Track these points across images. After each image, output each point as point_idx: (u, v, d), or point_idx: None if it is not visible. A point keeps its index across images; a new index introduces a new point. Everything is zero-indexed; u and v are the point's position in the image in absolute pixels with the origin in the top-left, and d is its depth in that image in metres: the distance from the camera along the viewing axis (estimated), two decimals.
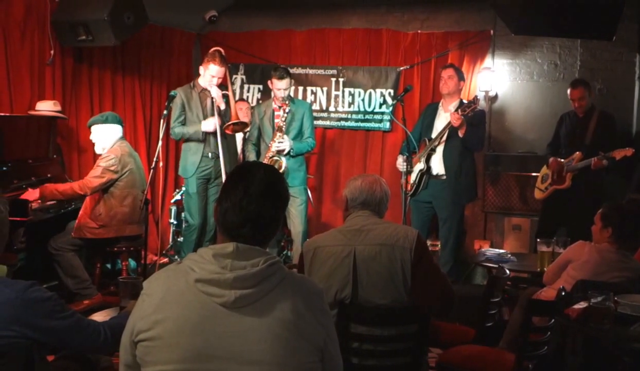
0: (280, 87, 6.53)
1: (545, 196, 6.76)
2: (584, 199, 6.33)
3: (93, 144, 5.99)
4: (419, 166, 6.48)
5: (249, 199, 2.04)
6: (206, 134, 6.45)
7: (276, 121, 6.62)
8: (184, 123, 6.47)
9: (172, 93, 6.29)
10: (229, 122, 6.40)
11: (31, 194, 5.69)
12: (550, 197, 6.72)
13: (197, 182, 6.53)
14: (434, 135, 6.54)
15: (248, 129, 7.07)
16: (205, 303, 1.93)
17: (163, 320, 1.93)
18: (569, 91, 6.65)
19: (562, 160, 6.61)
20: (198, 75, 6.63)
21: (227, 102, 6.50)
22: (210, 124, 6.39)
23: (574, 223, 6.28)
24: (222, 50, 6.59)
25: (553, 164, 6.63)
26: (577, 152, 6.47)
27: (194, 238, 6.63)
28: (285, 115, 6.55)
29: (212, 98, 6.43)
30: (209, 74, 6.41)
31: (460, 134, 6.31)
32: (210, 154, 6.51)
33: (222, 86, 6.53)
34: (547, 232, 6.08)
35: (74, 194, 5.78)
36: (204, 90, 6.50)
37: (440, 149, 6.49)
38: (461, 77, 6.65)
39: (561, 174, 6.57)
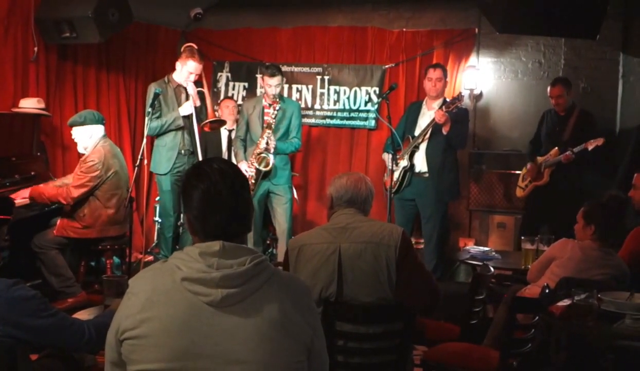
0: (271, 84, 6.53)
1: (526, 193, 6.84)
2: (564, 195, 6.44)
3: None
4: (403, 163, 6.51)
5: (218, 195, 2.03)
6: (182, 129, 6.45)
7: (265, 118, 6.62)
8: (159, 118, 6.44)
9: (157, 90, 6.26)
10: (207, 121, 6.40)
11: (21, 195, 5.68)
12: (531, 194, 6.78)
13: (171, 179, 6.52)
14: (417, 133, 6.56)
15: (226, 126, 7.16)
16: (192, 301, 1.92)
17: (149, 318, 1.92)
18: (548, 89, 6.73)
19: (540, 159, 6.70)
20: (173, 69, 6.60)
21: (203, 99, 6.50)
22: (187, 107, 6.39)
23: (556, 219, 6.36)
24: (196, 46, 6.60)
25: (531, 170, 6.74)
26: (554, 148, 6.57)
27: (171, 235, 6.65)
28: (276, 112, 6.54)
29: (187, 95, 6.42)
30: (187, 70, 6.40)
31: (445, 131, 6.34)
32: (183, 151, 6.52)
33: (198, 82, 6.52)
34: (532, 230, 6.11)
35: (59, 201, 5.71)
36: (179, 86, 6.49)
37: (423, 147, 6.52)
38: (446, 77, 6.70)
39: (539, 171, 6.65)
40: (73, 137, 5.87)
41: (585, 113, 6.70)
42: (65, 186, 5.74)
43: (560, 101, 6.61)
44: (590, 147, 6.22)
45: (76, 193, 5.63)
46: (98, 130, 5.82)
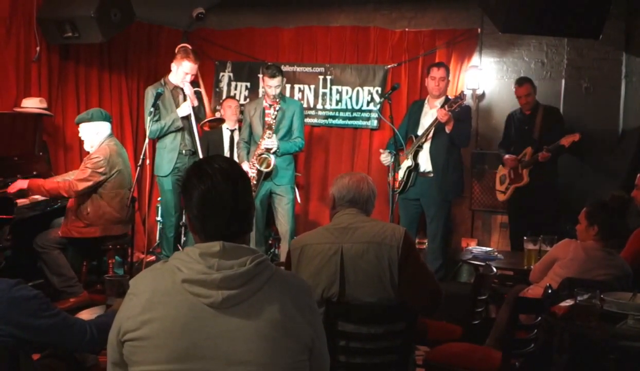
0: (271, 84, 6.52)
1: (508, 197, 6.90)
2: (543, 193, 6.60)
3: (80, 141, 5.94)
4: (407, 163, 6.50)
5: (219, 196, 2.01)
6: (182, 130, 6.45)
7: (266, 119, 6.61)
8: (158, 121, 6.44)
9: (159, 90, 6.25)
10: (206, 120, 6.41)
11: (19, 185, 5.68)
12: (512, 197, 6.84)
13: (172, 179, 6.51)
14: (420, 132, 6.56)
15: (228, 125, 7.22)
16: (193, 303, 1.92)
17: (150, 320, 1.91)
18: (514, 89, 6.89)
19: (517, 157, 6.79)
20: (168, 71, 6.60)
21: (200, 99, 6.50)
22: (185, 108, 6.39)
23: (541, 216, 6.50)
24: (190, 46, 6.60)
25: (509, 161, 6.81)
26: (528, 147, 6.69)
27: (172, 235, 6.66)
28: (276, 113, 6.54)
29: (184, 95, 6.42)
30: (182, 71, 6.40)
31: (448, 129, 6.33)
32: (184, 151, 6.52)
33: (194, 82, 6.52)
34: (520, 232, 6.10)
35: (60, 195, 5.71)
36: (176, 87, 6.48)
37: (427, 146, 6.51)
38: (449, 76, 6.71)
39: (517, 172, 6.74)
40: (80, 135, 5.88)
41: (551, 109, 6.88)
42: (68, 180, 5.75)
43: (529, 99, 6.77)
44: (567, 144, 6.37)
45: (80, 186, 5.62)
46: (105, 127, 5.83)
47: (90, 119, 5.78)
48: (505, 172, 6.90)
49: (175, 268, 1.96)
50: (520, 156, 6.74)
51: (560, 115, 6.90)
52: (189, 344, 1.89)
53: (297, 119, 6.76)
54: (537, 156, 6.54)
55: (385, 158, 6.46)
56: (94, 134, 5.78)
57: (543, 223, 6.22)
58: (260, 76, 8.13)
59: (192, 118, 6.41)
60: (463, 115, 6.45)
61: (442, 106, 6.33)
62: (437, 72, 6.58)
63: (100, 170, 5.66)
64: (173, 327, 1.90)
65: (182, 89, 6.45)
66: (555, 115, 6.85)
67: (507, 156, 6.83)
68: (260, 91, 8.26)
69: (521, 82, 6.82)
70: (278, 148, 6.55)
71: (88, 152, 5.89)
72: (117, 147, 5.87)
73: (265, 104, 6.70)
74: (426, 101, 6.73)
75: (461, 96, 6.35)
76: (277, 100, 6.57)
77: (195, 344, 1.89)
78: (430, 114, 6.57)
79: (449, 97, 6.55)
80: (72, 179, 5.69)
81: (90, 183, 5.65)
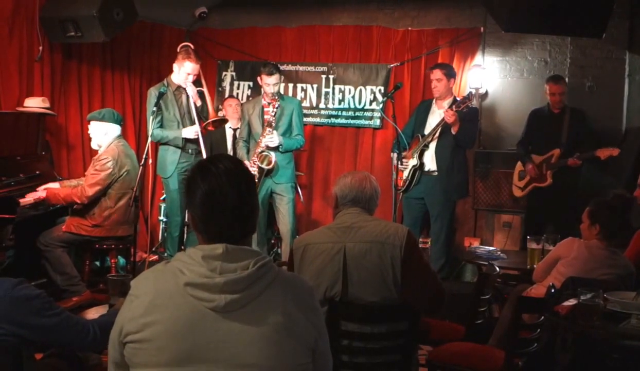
0: (269, 82, 6.52)
1: (525, 193, 6.88)
2: (566, 194, 6.55)
3: (83, 140, 5.95)
4: (412, 162, 6.48)
5: (223, 197, 1.99)
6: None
7: (265, 117, 6.62)
8: (161, 123, 6.45)
9: (162, 90, 6.26)
10: (209, 120, 6.41)
11: (37, 195, 5.74)
12: (532, 194, 6.81)
13: (178, 178, 6.51)
14: (427, 131, 6.55)
15: (231, 125, 7.22)
16: (195, 307, 1.90)
17: (152, 323, 1.90)
18: (548, 86, 6.77)
19: (538, 158, 6.75)
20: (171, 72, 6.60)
21: (203, 98, 6.50)
22: (191, 131, 6.39)
23: (558, 218, 6.44)
24: (192, 46, 6.59)
25: (532, 171, 6.76)
26: (556, 150, 6.62)
27: (177, 235, 6.65)
28: (275, 110, 6.54)
29: (187, 95, 6.42)
30: (185, 72, 6.40)
31: (454, 131, 6.30)
32: (190, 150, 6.53)
33: (197, 81, 6.52)
34: (536, 229, 6.09)
35: (73, 201, 5.74)
36: (179, 87, 6.48)
37: (433, 146, 6.49)
38: (451, 75, 6.61)
39: (541, 172, 6.69)
40: (89, 132, 5.92)
41: (578, 111, 6.82)
42: (80, 185, 5.77)
43: (562, 97, 6.71)
44: (603, 157, 6.28)
45: (90, 191, 5.67)
46: (114, 129, 5.86)
47: (101, 119, 5.83)
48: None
49: (177, 270, 1.95)
50: (546, 156, 6.69)
51: (587, 118, 6.81)
52: (191, 347, 1.88)
53: (296, 116, 6.76)
54: (565, 160, 6.49)
55: (396, 161, 6.45)
56: (103, 135, 5.82)
57: (560, 226, 6.17)
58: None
59: (195, 118, 6.42)
60: (469, 116, 6.42)
61: (450, 107, 6.32)
62: (432, 75, 6.61)
63: (109, 171, 5.69)
64: (175, 330, 1.89)
65: (184, 89, 6.46)
66: (582, 117, 6.78)
67: (530, 167, 6.75)
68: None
69: (557, 79, 6.75)
70: (281, 144, 6.55)
71: (94, 151, 5.91)
72: (125, 149, 5.91)
73: (264, 102, 6.70)
74: (434, 101, 6.71)
75: (469, 97, 6.34)
76: (276, 98, 6.57)
77: (197, 347, 1.88)
78: (438, 113, 6.56)
79: (457, 98, 6.53)
80: (83, 185, 5.72)
81: (100, 187, 5.70)
